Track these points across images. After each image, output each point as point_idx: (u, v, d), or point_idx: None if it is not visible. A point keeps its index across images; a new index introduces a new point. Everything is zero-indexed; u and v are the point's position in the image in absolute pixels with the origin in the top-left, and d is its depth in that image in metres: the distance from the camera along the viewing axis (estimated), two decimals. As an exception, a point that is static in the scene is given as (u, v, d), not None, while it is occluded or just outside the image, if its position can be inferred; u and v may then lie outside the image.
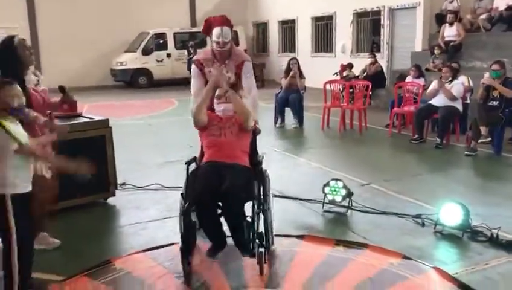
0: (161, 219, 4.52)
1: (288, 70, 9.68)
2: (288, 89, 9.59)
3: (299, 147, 7.90)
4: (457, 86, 7.43)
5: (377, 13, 14.62)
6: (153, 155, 7.10)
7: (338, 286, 3.19)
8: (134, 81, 18.14)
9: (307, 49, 17.81)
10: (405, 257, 3.57)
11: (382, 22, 14.38)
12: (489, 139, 6.76)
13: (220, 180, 3.14)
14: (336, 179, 4.69)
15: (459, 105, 7.45)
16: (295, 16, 18.41)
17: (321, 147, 7.84)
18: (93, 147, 4.71)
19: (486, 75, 7.10)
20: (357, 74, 12.33)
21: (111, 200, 5.01)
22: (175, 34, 18.69)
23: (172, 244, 3.75)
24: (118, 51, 18.33)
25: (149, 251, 3.78)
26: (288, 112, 9.69)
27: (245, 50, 19.33)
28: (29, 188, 2.98)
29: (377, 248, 3.74)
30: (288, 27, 19.25)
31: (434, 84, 7.64)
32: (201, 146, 3.55)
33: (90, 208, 4.78)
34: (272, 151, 7.09)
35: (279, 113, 9.70)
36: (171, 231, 4.04)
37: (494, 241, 3.77)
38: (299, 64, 9.67)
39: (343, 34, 15.89)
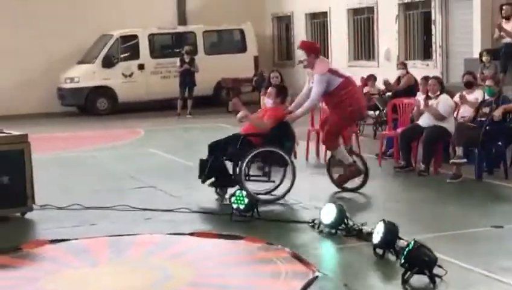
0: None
1: (268, 85, 13.41)
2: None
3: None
4: (444, 101, 11.00)
5: (428, 5, 18.34)
6: (85, 184, 11.04)
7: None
8: (90, 105, 22.19)
9: (342, 56, 21.68)
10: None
11: (433, 16, 18.10)
12: (465, 160, 10.24)
13: None
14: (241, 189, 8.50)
15: (448, 125, 10.96)
16: (327, 8, 22.33)
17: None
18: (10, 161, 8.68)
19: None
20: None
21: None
22: (151, 36, 22.67)
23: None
24: (68, 63, 22.42)
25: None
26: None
27: (256, 58, 22.79)
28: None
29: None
30: (319, 22, 23.21)
31: (418, 102, 11.24)
32: None
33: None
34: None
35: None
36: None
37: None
38: (281, 77, 13.42)
39: (387, 34, 19.68)
